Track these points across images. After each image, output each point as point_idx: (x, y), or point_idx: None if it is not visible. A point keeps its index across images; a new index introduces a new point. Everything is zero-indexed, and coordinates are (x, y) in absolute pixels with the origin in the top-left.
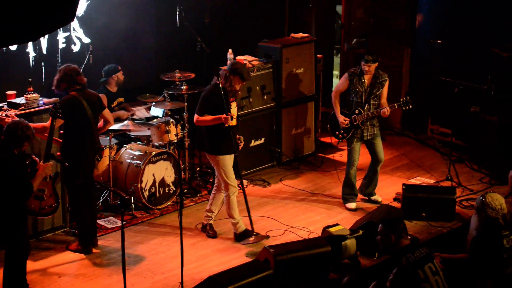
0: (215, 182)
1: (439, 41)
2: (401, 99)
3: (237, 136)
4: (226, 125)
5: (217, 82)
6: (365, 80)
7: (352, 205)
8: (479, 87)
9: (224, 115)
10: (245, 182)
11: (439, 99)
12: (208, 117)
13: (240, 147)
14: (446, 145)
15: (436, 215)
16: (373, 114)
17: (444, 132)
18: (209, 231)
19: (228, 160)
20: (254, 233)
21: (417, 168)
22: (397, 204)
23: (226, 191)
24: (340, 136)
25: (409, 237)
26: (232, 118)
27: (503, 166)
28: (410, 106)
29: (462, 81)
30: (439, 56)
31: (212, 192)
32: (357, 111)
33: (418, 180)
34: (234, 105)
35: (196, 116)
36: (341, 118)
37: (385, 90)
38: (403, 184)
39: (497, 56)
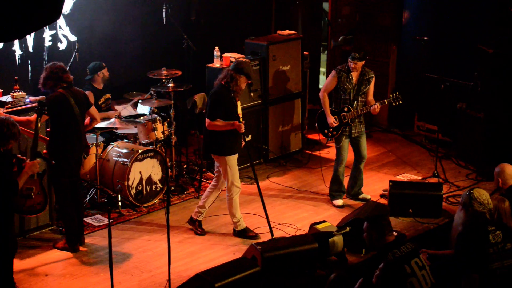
0: (214, 181)
1: (425, 38)
2: (391, 95)
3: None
4: (240, 132)
5: (223, 83)
6: (353, 77)
7: (339, 202)
8: (465, 83)
9: (237, 122)
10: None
11: (425, 95)
12: (220, 122)
13: (242, 145)
14: (433, 142)
15: (423, 212)
16: (363, 111)
17: (431, 128)
18: (197, 228)
19: (235, 160)
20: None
21: (404, 165)
22: (384, 201)
23: (229, 191)
24: (329, 134)
25: (394, 233)
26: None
27: (489, 162)
28: (400, 102)
29: (449, 78)
30: (425, 52)
31: (208, 189)
32: (346, 109)
33: (405, 176)
34: (238, 105)
35: (207, 120)
36: (331, 119)
37: (371, 87)
38: (390, 181)
39: (483, 53)
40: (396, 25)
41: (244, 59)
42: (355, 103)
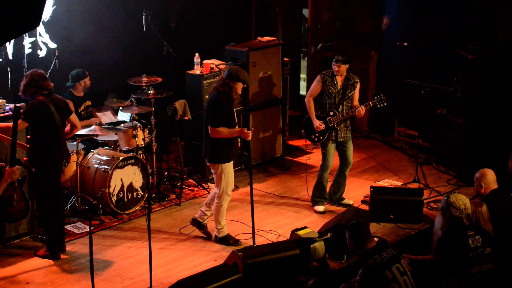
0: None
1: (405, 44)
2: (375, 97)
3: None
4: (248, 139)
5: (221, 89)
6: (338, 82)
7: (321, 208)
8: (445, 89)
9: (245, 130)
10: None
11: (405, 101)
12: (225, 130)
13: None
14: (413, 147)
15: (404, 217)
16: (348, 115)
17: (411, 134)
18: (206, 232)
19: (231, 167)
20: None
21: (385, 170)
22: (365, 207)
23: (219, 199)
24: (316, 139)
25: (376, 239)
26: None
27: (470, 167)
28: (385, 104)
29: (429, 83)
30: (405, 58)
31: (212, 193)
32: (331, 113)
33: (386, 182)
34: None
35: (210, 128)
36: (317, 123)
37: (356, 93)
38: (371, 187)
39: (463, 58)
40: (376, 31)
41: (223, 65)
42: (341, 107)
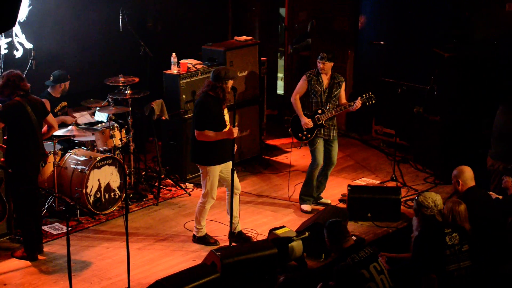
0: (227, 189)
1: (381, 43)
2: (364, 95)
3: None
4: (232, 137)
5: (209, 93)
6: (323, 80)
7: (308, 207)
8: (422, 87)
9: (231, 129)
10: (190, 186)
11: (382, 100)
12: (211, 133)
13: (235, 148)
14: (390, 146)
15: (381, 216)
16: (337, 112)
17: (388, 132)
18: (244, 237)
19: (217, 170)
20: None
21: (362, 169)
22: (342, 205)
23: (203, 198)
24: (304, 137)
25: (353, 237)
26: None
27: (446, 165)
28: (374, 101)
29: (405, 82)
30: (382, 57)
31: (226, 199)
32: (319, 111)
33: (363, 181)
34: (226, 112)
35: (196, 131)
36: (305, 120)
37: (342, 91)
38: (348, 185)
39: (439, 57)
40: (353, 30)
41: (200, 65)
42: (328, 105)
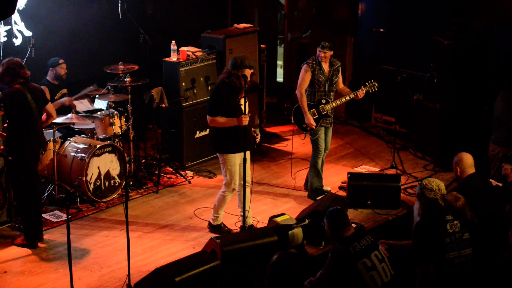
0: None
1: (381, 30)
2: (367, 83)
3: (252, 129)
4: (243, 125)
5: (225, 80)
6: (325, 69)
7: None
8: (421, 75)
9: (241, 117)
10: (190, 173)
11: (382, 87)
12: (222, 119)
13: (257, 139)
14: (390, 133)
15: (381, 203)
16: (346, 100)
17: (388, 120)
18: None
19: (235, 159)
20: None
21: (362, 157)
22: (342, 193)
23: (225, 188)
24: (308, 128)
25: (353, 225)
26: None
27: (446, 153)
28: (376, 89)
29: (405, 69)
30: (381, 45)
31: (237, 191)
32: (323, 101)
33: (363, 168)
34: (243, 101)
35: (208, 117)
36: (310, 119)
37: (340, 77)
38: (348, 173)
39: (439, 44)
40: (353, 18)
41: (200, 52)
42: (331, 94)
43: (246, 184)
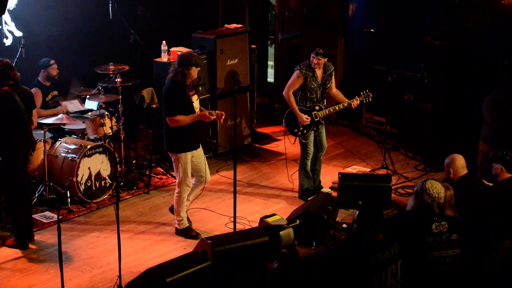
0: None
1: (372, 30)
2: (361, 93)
3: (208, 112)
4: (207, 121)
5: (174, 78)
6: (318, 76)
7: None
8: (412, 75)
9: (206, 113)
10: None
11: (373, 87)
12: (182, 117)
13: (222, 118)
14: (381, 133)
15: (372, 203)
16: (336, 109)
17: (379, 120)
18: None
19: (188, 157)
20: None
21: (353, 157)
22: (333, 193)
23: (178, 187)
24: (299, 133)
25: (344, 225)
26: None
27: (437, 153)
28: (370, 99)
29: (396, 70)
30: (372, 45)
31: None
32: (317, 107)
33: (354, 168)
34: (195, 98)
35: (168, 118)
36: (303, 117)
37: (333, 80)
38: (339, 173)
39: (430, 44)
40: (343, 17)
41: (184, 50)
42: (323, 100)
43: (202, 178)
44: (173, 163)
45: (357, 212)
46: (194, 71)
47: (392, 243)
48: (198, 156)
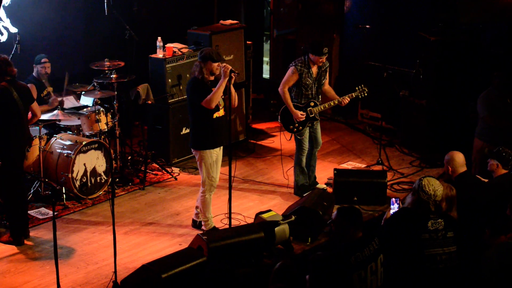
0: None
1: (367, 26)
2: (357, 88)
3: (229, 68)
4: (227, 79)
5: (195, 75)
6: (313, 72)
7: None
8: (407, 71)
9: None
10: (176, 170)
11: (368, 83)
12: (209, 96)
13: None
14: (377, 129)
15: (367, 199)
16: (330, 106)
17: (374, 116)
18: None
19: (211, 155)
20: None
21: (348, 153)
22: (329, 189)
23: (202, 187)
24: (295, 130)
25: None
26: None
27: (432, 149)
28: (366, 94)
29: (391, 66)
30: (367, 41)
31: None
32: (312, 104)
33: (349, 164)
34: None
35: (203, 102)
36: (298, 113)
37: (327, 77)
38: (335, 169)
39: (425, 40)
40: (338, 14)
41: (186, 49)
42: (318, 96)
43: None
44: (197, 162)
45: (335, 212)
46: (215, 67)
47: (371, 239)
48: (217, 156)
